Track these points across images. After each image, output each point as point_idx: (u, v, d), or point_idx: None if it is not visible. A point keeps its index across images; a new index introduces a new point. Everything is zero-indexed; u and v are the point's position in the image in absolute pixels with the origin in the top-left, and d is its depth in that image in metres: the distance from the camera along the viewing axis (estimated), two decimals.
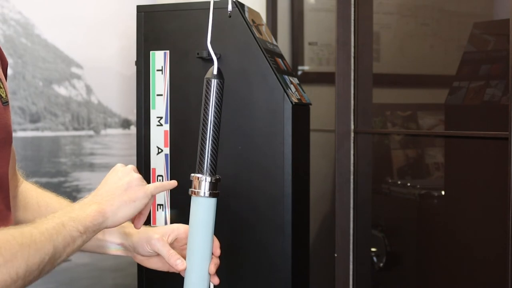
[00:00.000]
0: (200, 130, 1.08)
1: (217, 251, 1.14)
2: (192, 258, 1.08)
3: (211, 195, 1.07)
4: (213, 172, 1.08)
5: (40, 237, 0.90)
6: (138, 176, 1.08)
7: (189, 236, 1.09)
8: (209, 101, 1.07)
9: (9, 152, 1.08)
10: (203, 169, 1.07)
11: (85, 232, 0.97)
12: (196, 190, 1.07)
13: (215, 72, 1.08)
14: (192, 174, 1.08)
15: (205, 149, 1.07)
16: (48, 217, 0.96)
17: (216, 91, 1.07)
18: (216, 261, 1.13)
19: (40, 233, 0.91)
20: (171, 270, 1.15)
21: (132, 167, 1.10)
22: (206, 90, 1.08)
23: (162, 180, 1.80)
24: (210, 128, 1.07)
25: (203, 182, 1.07)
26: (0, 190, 1.05)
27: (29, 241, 0.88)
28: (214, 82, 1.07)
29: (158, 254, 1.15)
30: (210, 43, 1.10)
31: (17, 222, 1.18)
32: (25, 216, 1.21)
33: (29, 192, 1.23)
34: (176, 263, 1.10)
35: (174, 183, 1.15)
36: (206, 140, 1.07)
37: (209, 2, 1.12)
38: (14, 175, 1.21)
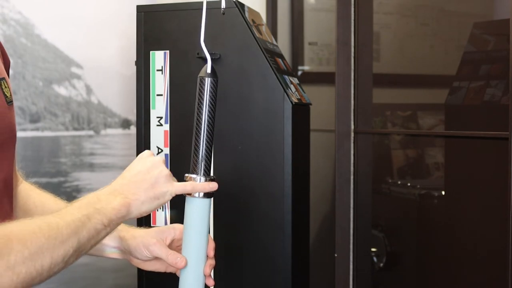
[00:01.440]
0: (194, 129, 1.06)
1: (211, 253, 1.12)
2: (187, 258, 1.08)
3: (205, 195, 1.06)
4: (207, 172, 1.06)
5: (66, 229, 0.89)
6: (167, 172, 1.05)
7: (184, 237, 1.09)
8: (203, 100, 1.06)
9: (14, 152, 1.08)
10: (197, 169, 1.06)
11: (109, 225, 0.97)
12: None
13: (208, 70, 1.07)
14: (186, 175, 1.07)
15: (199, 149, 1.06)
16: (73, 206, 0.96)
17: (210, 90, 1.06)
18: (211, 262, 1.13)
19: (66, 225, 0.90)
20: (169, 270, 1.15)
21: (161, 159, 1.07)
22: (199, 89, 1.06)
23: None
24: (204, 128, 1.06)
25: (197, 182, 1.06)
26: (6, 190, 1.05)
27: (55, 234, 0.88)
28: (207, 81, 1.06)
29: (156, 258, 1.15)
30: (204, 41, 1.09)
31: None
32: (23, 216, 1.20)
33: (27, 192, 1.23)
34: (177, 261, 1.09)
35: (206, 186, 1.07)
36: (200, 140, 1.06)
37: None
38: (14, 175, 1.21)
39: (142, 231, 1.16)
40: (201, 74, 1.07)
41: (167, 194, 1.04)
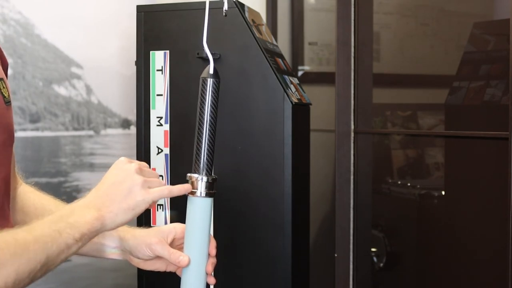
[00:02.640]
0: (196, 129, 1.07)
1: (213, 251, 1.13)
2: (189, 258, 1.08)
3: (208, 195, 1.07)
4: (209, 171, 1.07)
5: (34, 245, 0.89)
6: (140, 180, 1.02)
7: (186, 236, 1.09)
8: (205, 100, 1.07)
9: (11, 153, 1.08)
10: (199, 169, 1.07)
11: (80, 239, 0.95)
12: (192, 190, 1.07)
13: (211, 71, 1.07)
14: (188, 174, 1.07)
15: (201, 149, 1.07)
16: (45, 220, 0.95)
17: (212, 91, 1.07)
18: (213, 260, 1.13)
19: (35, 240, 0.89)
20: (168, 269, 1.15)
21: (135, 167, 1.04)
22: (202, 90, 1.07)
23: (163, 180, 1.80)
24: (206, 127, 1.07)
25: (199, 182, 1.06)
26: (4, 190, 1.05)
27: (22, 250, 0.87)
28: (210, 82, 1.07)
29: (157, 257, 1.15)
30: (207, 42, 1.10)
31: (15, 224, 1.18)
32: (23, 219, 1.20)
33: (27, 194, 1.23)
34: (179, 260, 1.09)
35: (181, 189, 1.07)
36: (202, 139, 1.07)
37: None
38: (13, 177, 1.21)
39: (143, 231, 1.16)
40: (204, 75, 1.08)
41: (142, 203, 1.02)
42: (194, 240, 1.08)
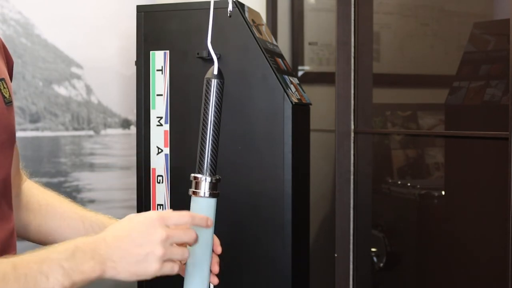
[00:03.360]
0: (200, 130, 1.07)
1: (218, 249, 1.12)
2: (193, 258, 1.08)
3: (211, 195, 1.07)
4: (213, 172, 1.07)
5: (13, 284, 0.83)
6: (161, 253, 0.93)
7: None
8: (209, 101, 1.07)
9: (12, 153, 1.08)
10: (203, 169, 1.07)
11: (70, 287, 0.88)
12: (196, 190, 1.07)
13: (215, 72, 1.08)
14: (192, 174, 1.08)
15: (205, 149, 1.07)
16: (39, 255, 0.88)
17: (216, 91, 1.07)
18: (217, 259, 1.13)
19: (15, 279, 0.84)
20: None
21: (162, 237, 0.93)
22: (206, 90, 1.08)
23: (162, 180, 1.79)
24: (210, 128, 1.07)
25: (203, 182, 1.07)
26: (5, 191, 1.05)
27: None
28: (214, 82, 1.07)
29: None
30: (211, 42, 1.10)
31: (19, 221, 1.18)
32: (27, 215, 1.21)
33: (31, 191, 1.23)
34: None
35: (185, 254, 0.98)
36: (206, 140, 1.07)
37: (209, 2, 1.12)
38: (17, 174, 1.21)
39: None
40: (208, 75, 1.08)
41: (150, 275, 0.94)
42: (197, 241, 1.08)
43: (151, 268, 0.93)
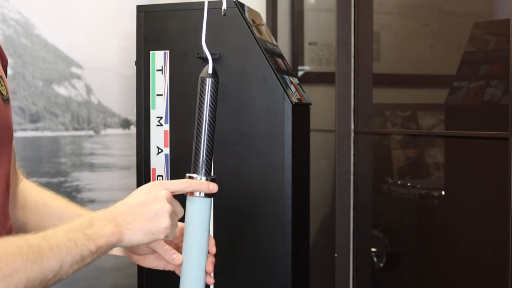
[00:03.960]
0: (195, 130, 1.07)
1: (213, 249, 1.13)
2: (188, 258, 1.08)
3: (206, 195, 1.07)
4: (208, 172, 1.07)
5: (48, 253, 0.88)
6: (169, 208, 1.01)
7: (185, 237, 1.09)
8: (204, 100, 1.07)
9: (9, 151, 1.08)
10: (198, 169, 1.07)
11: (96, 252, 0.94)
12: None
13: (210, 71, 1.07)
14: (187, 174, 1.07)
15: (200, 149, 1.06)
16: (62, 228, 0.93)
17: (211, 90, 1.07)
18: (212, 259, 1.13)
19: (50, 248, 0.89)
20: (167, 268, 1.15)
21: (167, 195, 1.02)
22: (200, 89, 1.07)
23: (162, 180, 1.79)
24: (205, 127, 1.07)
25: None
26: (5, 188, 1.05)
27: (35, 257, 0.86)
28: (208, 81, 1.07)
29: (153, 252, 1.15)
30: (206, 42, 1.10)
31: (16, 221, 1.18)
32: (24, 215, 1.20)
33: (28, 190, 1.23)
34: (172, 258, 1.09)
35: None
36: (201, 140, 1.07)
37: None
38: (14, 173, 1.21)
39: None
40: (202, 74, 1.08)
41: (164, 231, 1.01)
42: (192, 240, 1.08)
43: (163, 224, 1.00)
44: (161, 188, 1.03)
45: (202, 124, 1.07)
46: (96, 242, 0.94)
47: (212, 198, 1.08)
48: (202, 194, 1.06)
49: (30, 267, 0.85)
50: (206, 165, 1.07)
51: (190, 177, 1.07)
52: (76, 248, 0.91)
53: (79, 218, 0.98)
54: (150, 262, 1.17)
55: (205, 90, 1.07)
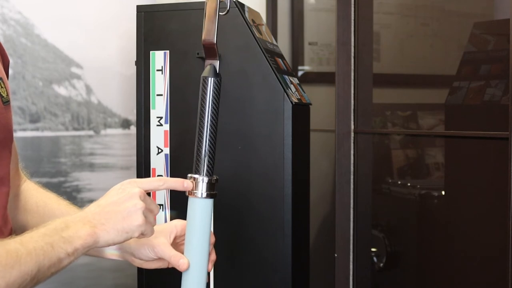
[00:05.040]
0: (197, 130, 1.07)
1: (212, 256, 1.14)
2: (190, 258, 1.08)
3: (208, 196, 1.06)
4: (210, 172, 1.07)
5: (26, 257, 0.89)
6: (142, 205, 1.01)
7: (186, 237, 1.09)
8: (206, 100, 1.06)
9: (9, 153, 1.08)
10: (200, 169, 1.06)
11: (73, 254, 0.95)
12: (193, 191, 1.06)
13: (217, 70, 1.07)
14: (189, 175, 1.07)
15: (202, 150, 1.06)
16: (38, 232, 0.94)
17: (213, 90, 1.06)
18: (213, 257, 1.14)
19: (27, 252, 0.89)
20: (170, 266, 1.15)
21: (139, 192, 1.02)
22: (202, 89, 1.07)
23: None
24: (207, 128, 1.06)
25: (200, 182, 1.06)
26: (1, 188, 1.05)
27: (13, 262, 0.87)
28: (211, 81, 1.06)
29: (159, 259, 1.15)
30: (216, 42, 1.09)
31: (17, 222, 1.18)
32: (24, 216, 1.20)
33: (29, 191, 1.23)
34: (179, 263, 1.09)
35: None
36: (203, 140, 1.06)
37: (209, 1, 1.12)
38: (16, 174, 1.21)
39: None
40: (205, 74, 1.07)
41: (137, 229, 1.01)
42: (194, 241, 1.08)
43: (136, 221, 1.00)
44: (133, 186, 1.03)
45: (204, 124, 1.06)
46: (73, 244, 0.95)
47: (213, 199, 1.08)
48: (204, 195, 1.06)
49: (9, 272, 0.86)
50: (208, 165, 1.06)
51: (191, 177, 1.07)
52: (53, 251, 0.92)
53: (54, 221, 0.98)
54: (153, 264, 1.17)
55: (207, 90, 1.06)
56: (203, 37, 1.09)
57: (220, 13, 1.09)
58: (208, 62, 1.09)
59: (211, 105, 1.06)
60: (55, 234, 0.94)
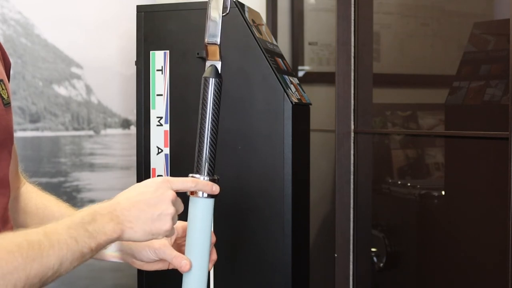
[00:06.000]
0: (198, 130, 1.07)
1: (214, 255, 1.14)
2: (191, 258, 1.08)
3: (209, 195, 1.07)
4: (211, 172, 1.07)
5: (49, 250, 0.87)
6: (173, 211, 1.00)
7: (187, 237, 1.09)
8: (207, 100, 1.07)
9: (9, 154, 1.07)
10: (201, 169, 1.06)
11: (96, 249, 0.93)
12: (194, 190, 1.07)
13: (218, 71, 1.07)
14: (190, 174, 1.07)
15: (203, 149, 1.06)
16: (64, 223, 0.92)
17: (214, 90, 1.07)
18: (214, 257, 1.14)
19: (50, 245, 0.87)
20: (171, 267, 1.15)
21: (172, 195, 1.00)
22: (204, 89, 1.07)
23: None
24: (208, 128, 1.06)
25: None
26: (1, 190, 1.04)
27: (35, 255, 0.85)
28: (212, 81, 1.07)
29: (160, 260, 1.15)
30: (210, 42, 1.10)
31: (17, 225, 1.18)
32: (24, 219, 1.20)
33: (29, 194, 1.22)
34: (181, 265, 1.08)
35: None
36: (204, 140, 1.06)
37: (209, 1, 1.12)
38: (16, 177, 1.20)
39: None
40: (206, 74, 1.07)
41: (164, 234, 1.00)
42: (195, 241, 1.08)
43: (165, 226, 0.99)
44: (168, 188, 1.01)
45: (205, 125, 1.06)
46: (97, 240, 0.93)
47: (214, 199, 1.08)
48: (205, 195, 1.06)
49: (30, 265, 0.84)
50: (209, 165, 1.06)
51: (193, 178, 1.07)
52: (77, 245, 0.90)
53: (80, 212, 0.96)
54: (154, 266, 1.17)
55: (208, 90, 1.06)
56: (206, 39, 1.09)
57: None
58: (209, 62, 1.09)
59: (212, 105, 1.06)
60: (80, 227, 0.92)
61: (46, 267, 0.86)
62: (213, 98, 1.06)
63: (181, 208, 1.04)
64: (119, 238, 0.97)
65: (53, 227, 0.91)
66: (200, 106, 1.07)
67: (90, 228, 0.93)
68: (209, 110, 1.06)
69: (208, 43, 1.09)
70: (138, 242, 1.12)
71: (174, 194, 1.01)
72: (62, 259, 0.88)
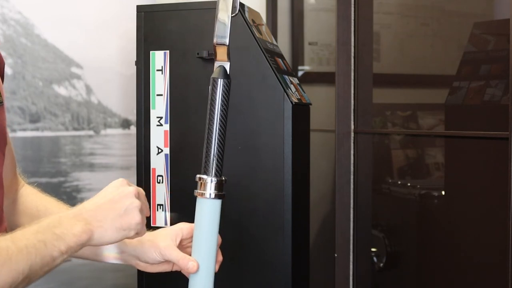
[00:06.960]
0: (206, 130, 1.07)
1: (218, 257, 1.13)
2: (198, 259, 1.08)
3: (217, 196, 1.06)
4: (218, 173, 1.07)
5: (17, 255, 0.86)
6: (138, 203, 1.00)
7: (194, 238, 1.09)
8: (216, 101, 1.07)
9: (2, 155, 1.06)
10: (209, 170, 1.06)
11: (66, 252, 0.92)
12: (201, 191, 1.06)
13: (227, 71, 1.07)
14: (198, 175, 1.07)
15: (211, 150, 1.06)
16: (30, 229, 0.91)
17: (222, 91, 1.07)
18: (219, 258, 1.13)
19: (18, 250, 0.86)
20: (175, 269, 1.14)
21: (135, 190, 1.02)
22: (212, 90, 1.07)
23: (162, 180, 1.79)
24: (216, 128, 1.06)
25: (208, 183, 1.06)
26: None
27: (3, 260, 0.84)
28: (220, 82, 1.07)
29: (166, 262, 1.14)
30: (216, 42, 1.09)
31: (17, 227, 1.17)
32: (25, 221, 1.19)
33: (29, 196, 1.22)
34: (188, 266, 1.07)
35: None
36: (212, 141, 1.06)
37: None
38: (14, 178, 1.20)
39: (149, 235, 1.14)
40: (214, 75, 1.08)
41: (136, 226, 0.99)
42: (202, 242, 1.07)
43: (135, 219, 0.99)
44: (127, 185, 1.03)
45: (213, 125, 1.06)
46: (66, 242, 0.92)
47: (222, 200, 1.07)
48: (212, 195, 1.06)
49: None
50: (217, 166, 1.06)
51: (200, 178, 1.06)
52: (46, 249, 0.89)
53: (47, 218, 0.95)
54: (158, 268, 1.16)
55: (217, 91, 1.07)
56: (214, 39, 1.09)
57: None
58: (218, 63, 1.09)
59: (221, 106, 1.06)
60: (47, 231, 0.91)
61: (16, 272, 0.85)
62: (221, 99, 1.06)
63: (146, 205, 1.04)
64: (90, 240, 0.95)
65: (20, 232, 0.90)
66: (208, 106, 1.07)
67: (57, 231, 0.92)
68: (217, 111, 1.06)
69: (217, 44, 1.09)
70: (143, 243, 1.12)
71: (136, 188, 1.02)
72: (32, 264, 0.87)
